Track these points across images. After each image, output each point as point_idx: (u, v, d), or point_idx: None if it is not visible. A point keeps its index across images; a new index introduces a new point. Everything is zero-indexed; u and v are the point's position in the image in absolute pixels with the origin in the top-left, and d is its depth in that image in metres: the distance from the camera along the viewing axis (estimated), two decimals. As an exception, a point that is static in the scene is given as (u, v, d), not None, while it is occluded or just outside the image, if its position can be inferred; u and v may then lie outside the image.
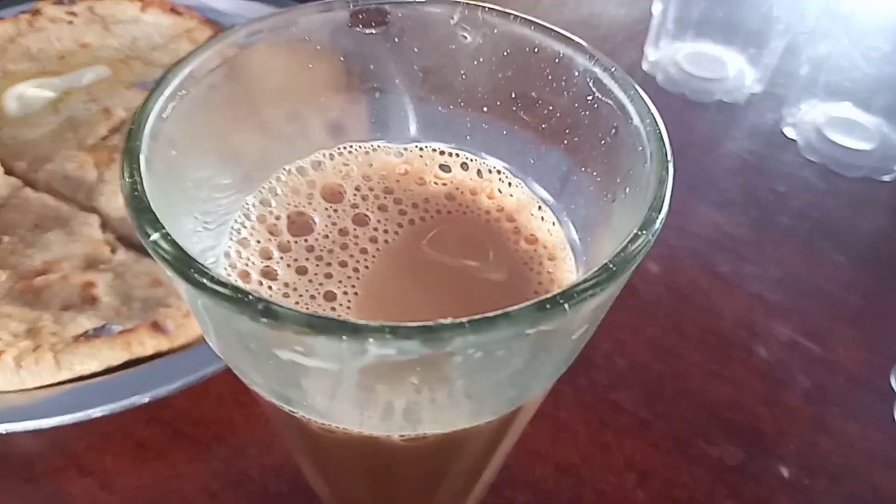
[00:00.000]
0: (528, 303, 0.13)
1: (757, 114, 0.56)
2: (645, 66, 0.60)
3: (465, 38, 0.22)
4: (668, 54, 0.60)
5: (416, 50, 0.22)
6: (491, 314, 0.13)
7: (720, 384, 0.38)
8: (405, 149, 0.24)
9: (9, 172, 0.43)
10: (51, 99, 0.48)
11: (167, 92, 0.18)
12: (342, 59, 0.22)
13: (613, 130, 0.19)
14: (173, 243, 0.14)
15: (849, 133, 0.53)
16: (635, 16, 0.63)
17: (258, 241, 0.21)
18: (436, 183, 0.24)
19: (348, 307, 0.19)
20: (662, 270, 0.44)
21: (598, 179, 0.20)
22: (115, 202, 0.41)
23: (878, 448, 0.36)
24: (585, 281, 0.14)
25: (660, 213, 0.15)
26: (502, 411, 0.17)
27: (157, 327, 0.33)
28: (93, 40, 0.52)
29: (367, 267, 0.21)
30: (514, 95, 0.22)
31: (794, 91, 0.56)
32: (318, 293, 0.20)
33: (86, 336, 0.33)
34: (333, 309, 0.19)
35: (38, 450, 0.33)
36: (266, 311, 0.13)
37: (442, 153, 0.24)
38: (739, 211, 0.48)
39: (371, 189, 0.23)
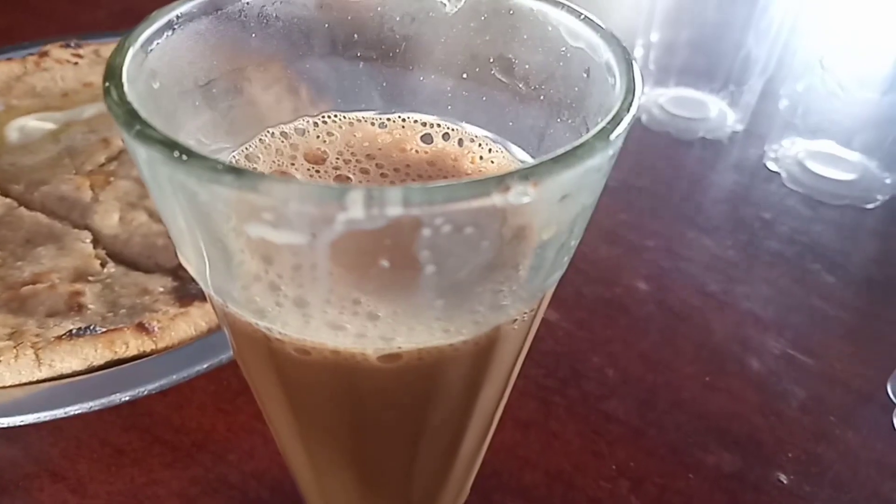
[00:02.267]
0: (496, 174, 0.13)
1: (740, 149, 0.58)
2: (630, 109, 0.62)
3: (444, 5, 0.23)
4: (651, 98, 0.62)
5: (397, 19, 0.23)
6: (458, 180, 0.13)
7: (714, 395, 0.37)
8: (388, 119, 0.25)
9: (4, 194, 0.44)
10: (51, 130, 0.49)
11: (154, 27, 0.18)
12: (327, 25, 0.23)
13: (586, 73, 0.20)
14: (156, 129, 0.14)
15: (831, 165, 0.54)
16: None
17: (240, 193, 0.21)
18: (417, 151, 0.24)
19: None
20: (652, 289, 0.44)
21: (574, 125, 0.21)
22: (108, 220, 0.42)
23: (883, 458, 0.35)
24: (549, 160, 0.14)
25: (627, 112, 0.16)
26: (475, 330, 0.17)
27: (141, 328, 0.33)
28: (96, 80, 0.54)
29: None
30: (491, 59, 0.23)
31: (775, 129, 0.57)
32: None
33: (69, 335, 0.32)
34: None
35: (9, 456, 0.32)
36: (244, 172, 0.13)
37: (424, 124, 0.25)
38: (728, 236, 0.49)
39: (353, 154, 0.24)
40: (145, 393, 0.31)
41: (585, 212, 0.17)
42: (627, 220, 0.50)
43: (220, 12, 0.21)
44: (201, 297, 0.36)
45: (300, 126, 0.24)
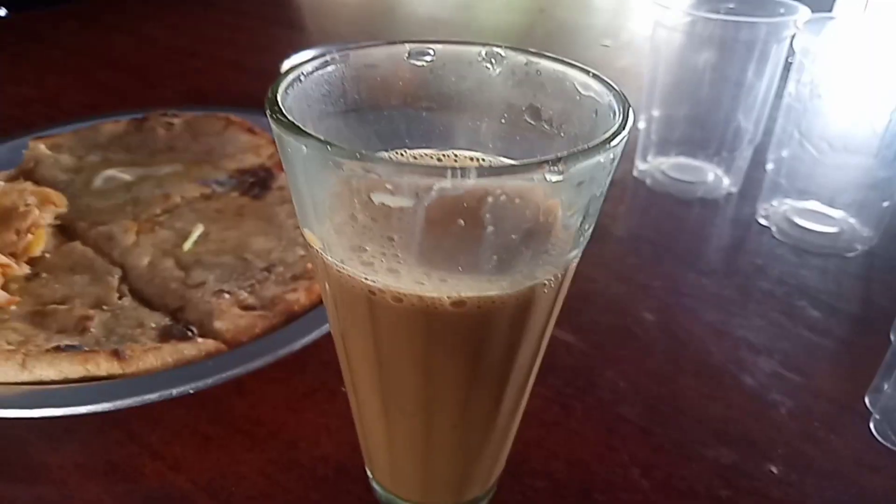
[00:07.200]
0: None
1: (734, 208, 0.65)
2: (635, 173, 0.70)
3: (489, 68, 0.31)
4: (654, 165, 0.70)
5: (453, 79, 0.31)
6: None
7: (713, 403, 0.43)
8: (444, 154, 0.32)
9: (72, 230, 0.53)
10: (128, 181, 0.58)
11: (290, 78, 0.26)
12: (400, 83, 0.31)
13: (594, 114, 0.28)
14: (312, 133, 0.22)
15: (816, 221, 0.61)
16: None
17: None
18: (467, 179, 0.32)
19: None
20: (657, 320, 0.50)
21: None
22: (140, 261, 0.50)
23: (861, 455, 0.40)
24: (571, 154, 0.21)
25: (623, 129, 0.23)
26: (517, 287, 0.24)
27: (115, 354, 0.40)
28: (180, 145, 0.63)
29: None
30: (523, 108, 0.31)
31: (765, 191, 0.65)
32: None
33: (56, 349, 0.39)
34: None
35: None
36: (375, 156, 0.20)
37: (472, 159, 0.32)
38: (724, 277, 0.55)
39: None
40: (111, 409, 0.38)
41: (594, 202, 0.24)
42: (635, 264, 0.57)
43: (326, 71, 0.29)
44: (179, 337, 0.43)
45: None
